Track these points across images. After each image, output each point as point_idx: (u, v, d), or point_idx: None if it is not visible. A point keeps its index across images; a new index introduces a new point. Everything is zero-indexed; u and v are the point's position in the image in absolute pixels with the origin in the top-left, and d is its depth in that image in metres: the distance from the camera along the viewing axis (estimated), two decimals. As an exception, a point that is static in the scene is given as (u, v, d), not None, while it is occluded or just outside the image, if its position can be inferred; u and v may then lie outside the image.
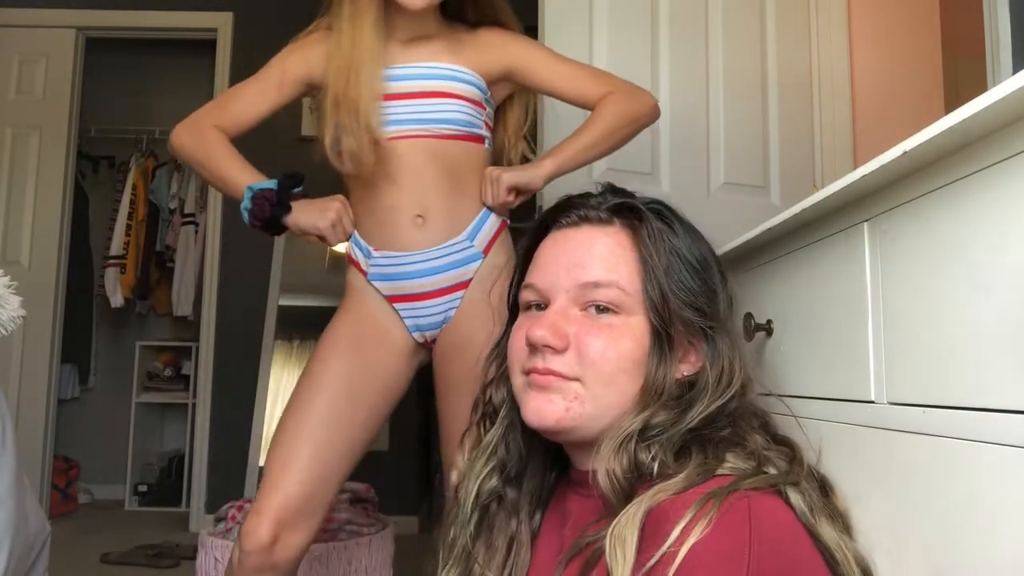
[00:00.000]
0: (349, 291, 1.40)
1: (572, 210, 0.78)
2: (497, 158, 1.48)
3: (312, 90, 1.41)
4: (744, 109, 2.02)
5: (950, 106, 1.32)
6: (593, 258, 0.74)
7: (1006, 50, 1.53)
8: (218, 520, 2.13)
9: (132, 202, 4.01)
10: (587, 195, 0.80)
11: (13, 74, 3.50)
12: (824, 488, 0.69)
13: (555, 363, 0.73)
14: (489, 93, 1.43)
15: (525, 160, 1.51)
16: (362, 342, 1.35)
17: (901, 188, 0.69)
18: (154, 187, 4.07)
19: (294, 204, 1.33)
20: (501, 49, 1.43)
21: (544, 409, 0.73)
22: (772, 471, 0.65)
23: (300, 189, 1.35)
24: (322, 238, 1.35)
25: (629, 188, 0.81)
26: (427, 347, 1.39)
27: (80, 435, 4.11)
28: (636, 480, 0.67)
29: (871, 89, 2.22)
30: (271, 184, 1.32)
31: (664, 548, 0.57)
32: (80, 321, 3.92)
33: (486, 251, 1.37)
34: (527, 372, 0.75)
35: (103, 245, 4.06)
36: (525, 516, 0.81)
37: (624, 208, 0.77)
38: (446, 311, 1.35)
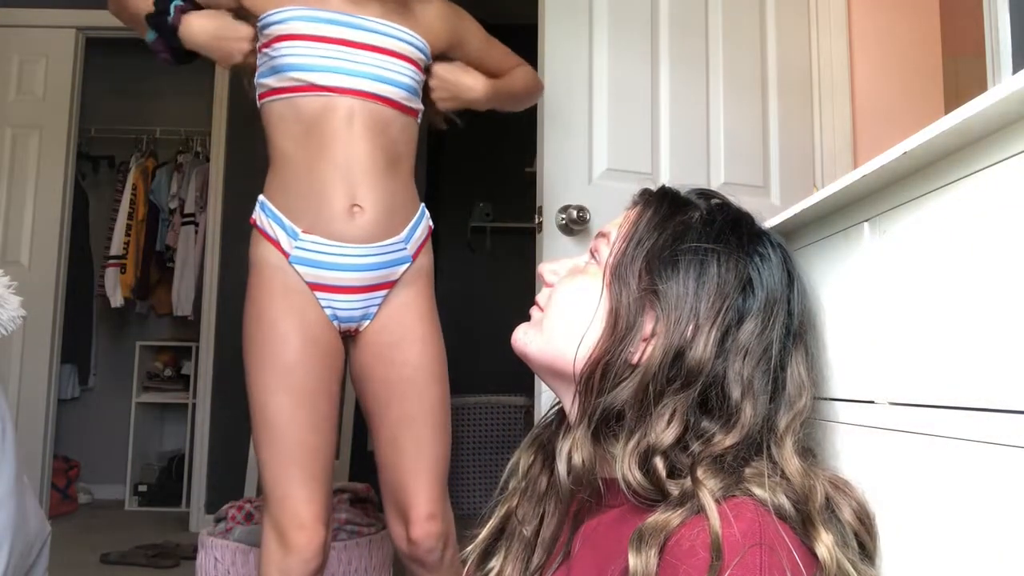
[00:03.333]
0: (265, 270, 1.29)
1: None
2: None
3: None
4: (744, 109, 2.02)
5: (950, 106, 1.32)
6: None
7: (1006, 50, 1.53)
8: (218, 520, 2.13)
9: (132, 202, 4.00)
10: None
11: (13, 74, 3.49)
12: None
13: None
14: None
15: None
16: (310, 333, 1.28)
17: (901, 188, 0.69)
18: (154, 187, 4.06)
19: (192, 22, 1.32)
20: (453, 23, 1.43)
21: None
22: (760, 482, 0.64)
23: (180, 2, 1.33)
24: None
25: (630, 188, 0.80)
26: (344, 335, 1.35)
27: (80, 435, 4.11)
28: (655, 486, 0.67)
29: (871, 89, 2.22)
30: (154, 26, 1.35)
31: None
32: (80, 321, 3.92)
33: (415, 255, 1.35)
34: None
35: (103, 245, 4.05)
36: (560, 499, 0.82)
37: None
38: (366, 307, 1.31)
